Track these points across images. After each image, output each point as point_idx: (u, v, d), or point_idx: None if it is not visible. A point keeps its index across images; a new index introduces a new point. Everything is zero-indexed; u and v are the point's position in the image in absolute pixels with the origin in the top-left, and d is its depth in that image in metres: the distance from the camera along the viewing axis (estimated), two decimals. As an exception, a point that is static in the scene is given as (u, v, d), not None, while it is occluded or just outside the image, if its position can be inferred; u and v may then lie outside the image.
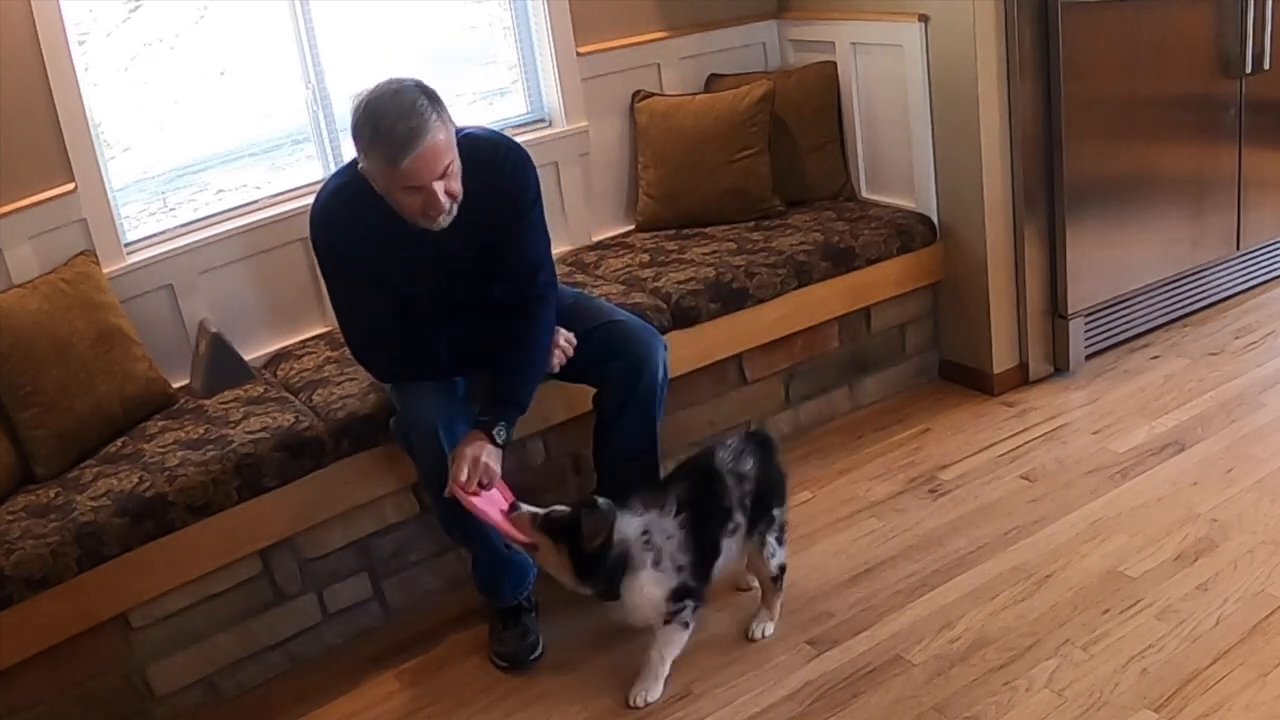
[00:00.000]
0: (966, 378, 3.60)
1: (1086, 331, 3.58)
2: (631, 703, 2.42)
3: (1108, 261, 3.51)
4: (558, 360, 2.64)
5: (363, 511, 2.77)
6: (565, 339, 2.65)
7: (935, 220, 3.49)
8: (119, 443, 2.72)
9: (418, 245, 2.46)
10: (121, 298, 2.86)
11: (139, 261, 2.99)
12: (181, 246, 3.05)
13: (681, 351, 3.00)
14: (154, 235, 3.09)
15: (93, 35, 2.97)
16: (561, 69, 3.56)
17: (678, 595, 2.38)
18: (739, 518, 2.45)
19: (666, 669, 2.45)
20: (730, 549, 2.46)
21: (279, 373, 3.06)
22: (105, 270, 2.87)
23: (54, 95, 2.81)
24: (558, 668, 2.60)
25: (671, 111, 3.61)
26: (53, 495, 2.52)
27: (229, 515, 2.55)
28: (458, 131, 2.42)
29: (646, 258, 3.39)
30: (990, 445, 3.25)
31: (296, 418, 2.68)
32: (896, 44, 3.40)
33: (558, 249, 2.83)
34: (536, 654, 2.63)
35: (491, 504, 2.43)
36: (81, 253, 2.86)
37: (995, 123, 3.27)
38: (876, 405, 3.58)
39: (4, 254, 2.79)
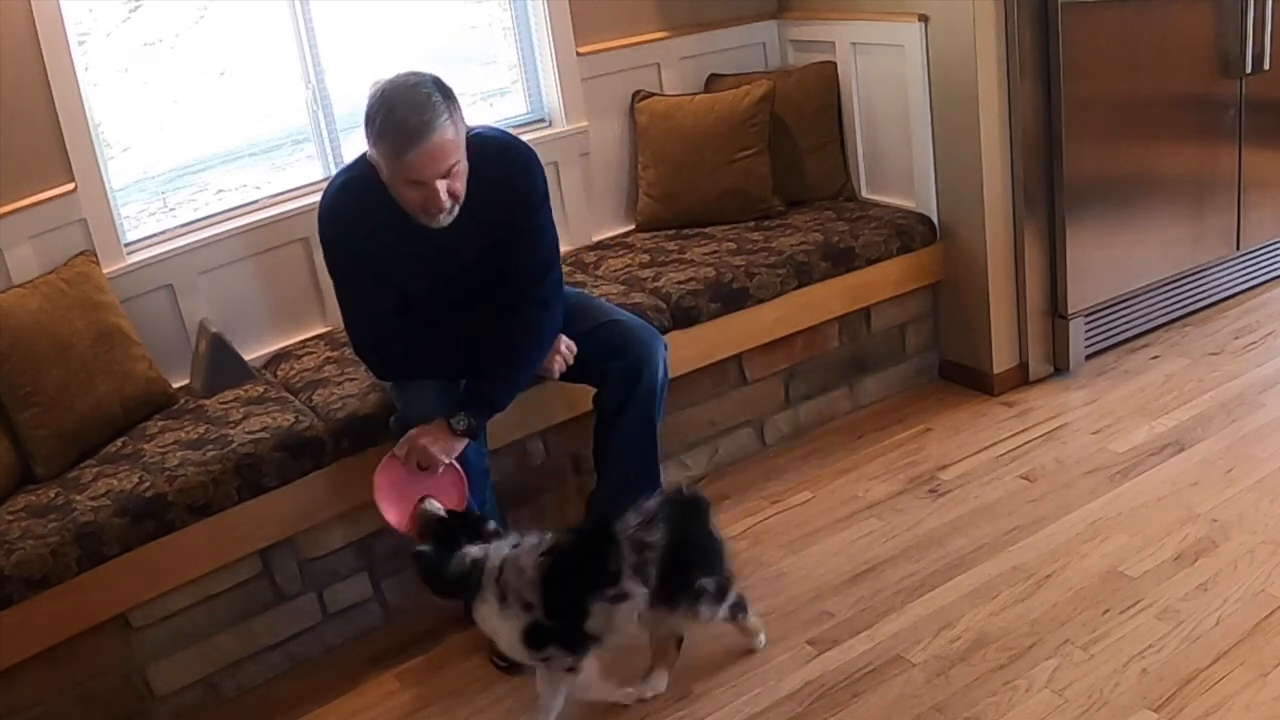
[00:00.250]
0: (966, 378, 3.60)
1: (1086, 331, 3.58)
2: None
3: (1108, 261, 3.51)
4: (558, 367, 2.64)
5: (363, 511, 2.76)
6: (566, 345, 2.64)
7: (935, 220, 3.49)
8: (119, 443, 2.72)
9: (424, 242, 2.47)
10: (121, 298, 2.86)
11: (139, 261, 2.99)
12: (181, 246, 3.05)
13: (681, 351, 3.00)
14: (154, 235, 3.09)
15: (93, 35, 2.97)
16: (561, 69, 3.56)
17: (534, 639, 2.26)
18: (632, 587, 2.24)
19: (551, 711, 2.35)
20: (617, 617, 2.27)
21: (279, 373, 3.06)
22: (105, 270, 2.87)
23: (54, 95, 2.81)
24: (558, 668, 2.60)
25: (671, 111, 3.61)
26: (53, 495, 2.52)
27: (229, 515, 2.55)
28: (469, 132, 2.43)
29: (646, 258, 3.39)
30: (990, 445, 3.25)
31: (296, 418, 2.68)
32: (896, 44, 3.40)
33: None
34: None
35: (411, 486, 2.47)
36: (81, 253, 2.86)
37: (995, 123, 3.27)
38: (876, 405, 3.58)
39: (4, 254, 2.79)
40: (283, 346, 3.21)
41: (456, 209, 2.42)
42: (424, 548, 2.34)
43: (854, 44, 3.57)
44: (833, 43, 3.64)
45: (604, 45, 3.62)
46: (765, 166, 3.56)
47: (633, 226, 3.73)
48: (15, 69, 2.75)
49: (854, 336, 3.50)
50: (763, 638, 2.53)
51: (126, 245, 3.00)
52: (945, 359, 3.67)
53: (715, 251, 3.34)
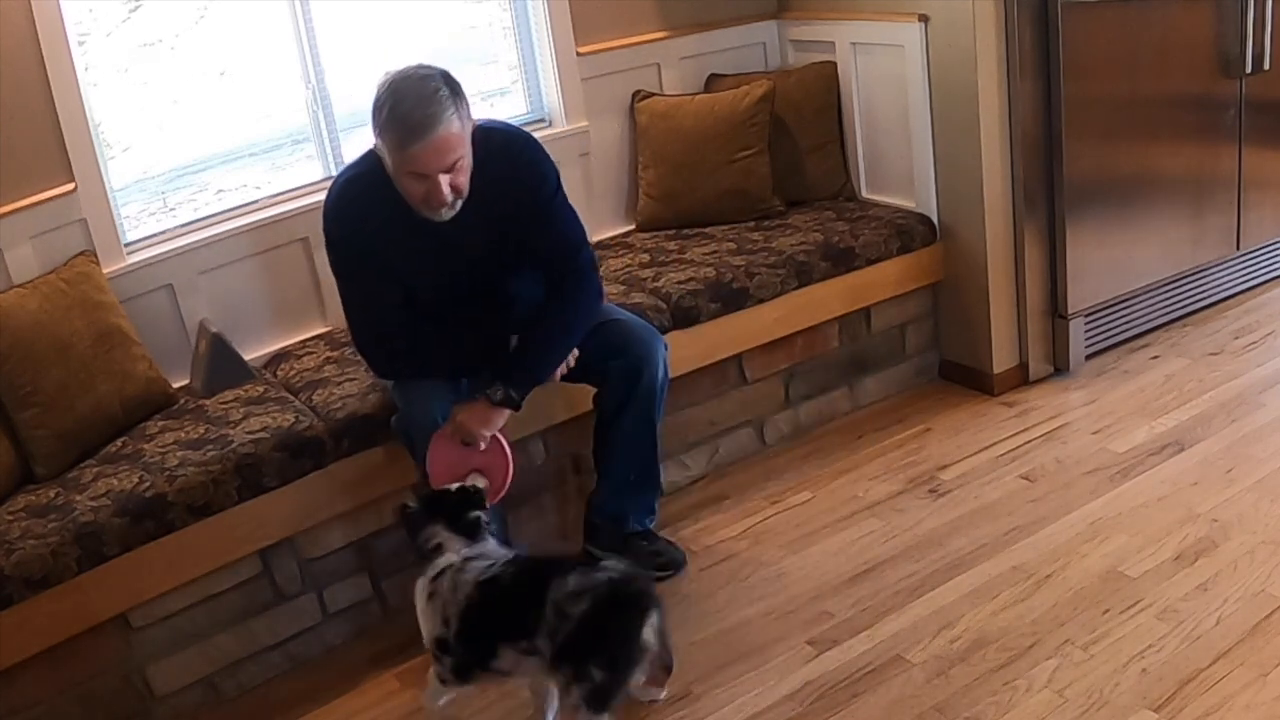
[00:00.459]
0: (966, 378, 3.60)
1: (1086, 331, 3.58)
2: None
3: (1108, 261, 3.51)
4: (560, 371, 2.64)
5: (363, 511, 2.77)
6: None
7: (935, 220, 3.49)
8: (119, 443, 2.72)
9: (429, 236, 2.47)
10: (121, 298, 2.86)
11: (139, 261, 2.99)
12: (181, 246, 3.05)
13: (681, 351, 3.00)
14: (154, 235, 3.09)
15: (93, 35, 2.97)
16: (561, 69, 3.56)
17: (439, 645, 2.28)
18: (540, 644, 2.16)
19: (432, 705, 2.37)
20: (523, 666, 2.23)
21: (279, 373, 3.06)
22: (105, 270, 2.87)
23: (54, 95, 2.81)
24: (558, 668, 2.60)
25: (671, 111, 3.61)
26: (53, 495, 2.52)
27: (229, 515, 2.55)
28: (475, 126, 2.43)
29: (646, 258, 3.39)
30: (990, 445, 3.25)
31: (296, 418, 2.68)
32: (896, 44, 3.40)
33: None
34: (536, 654, 2.63)
35: (461, 464, 2.49)
36: (81, 253, 2.86)
37: (995, 123, 3.27)
38: (876, 405, 3.58)
39: (4, 254, 2.79)
40: (283, 346, 3.21)
41: (459, 204, 2.42)
42: (411, 505, 2.37)
43: (854, 44, 3.57)
44: (833, 43, 3.64)
45: (604, 45, 3.62)
46: (765, 166, 3.56)
47: (633, 226, 3.73)
48: (15, 69, 2.75)
49: (854, 336, 3.50)
50: None
51: (126, 245, 3.01)
52: (945, 359, 3.67)
53: (715, 251, 3.34)
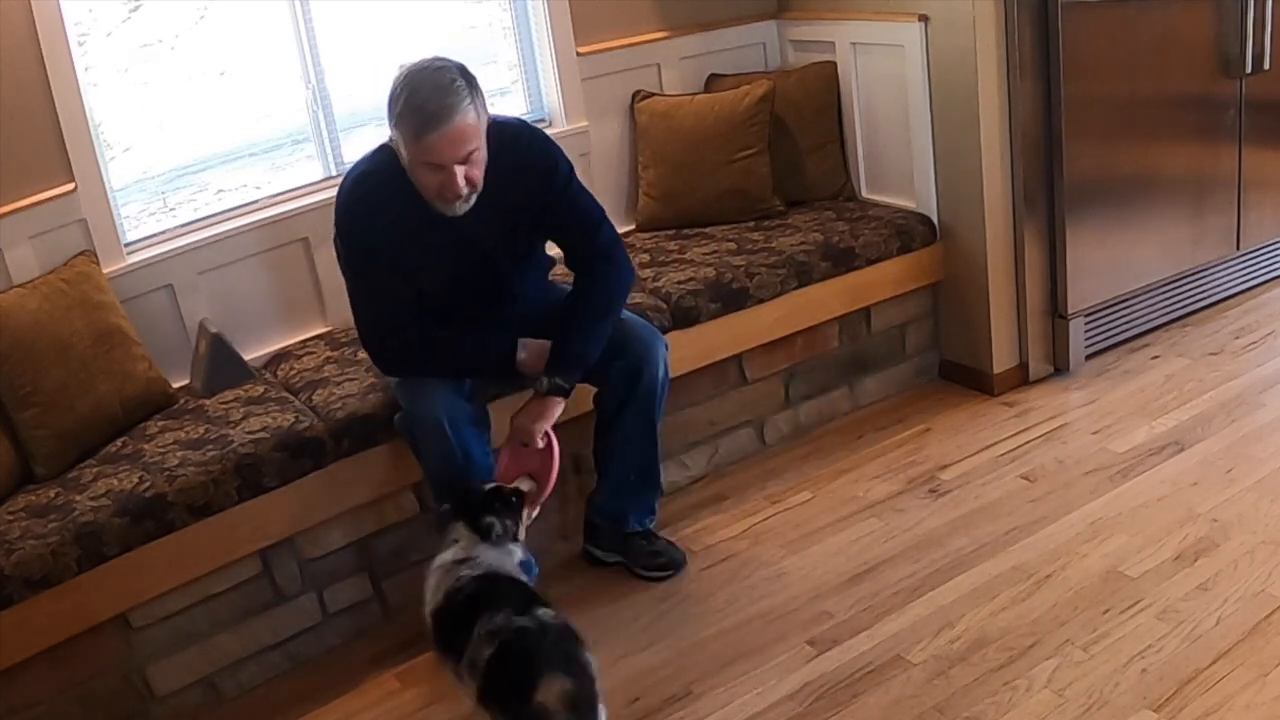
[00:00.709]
0: (966, 378, 3.60)
1: (1086, 331, 3.58)
2: None
3: (1108, 261, 3.51)
4: None
5: (363, 511, 2.77)
6: None
7: (935, 220, 3.49)
8: (119, 443, 2.72)
9: (442, 230, 2.48)
10: (121, 298, 2.86)
11: (139, 261, 2.99)
12: (181, 246, 3.04)
13: (681, 351, 3.00)
14: (154, 235, 3.08)
15: (93, 35, 2.97)
16: (561, 69, 3.56)
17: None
18: (464, 672, 2.14)
19: None
20: (463, 682, 2.18)
21: (279, 373, 3.06)
22: (105, 270, 2.87)
23: (54, 95, 2.80)
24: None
25: (671, 111, 3.61)
26: (53, 495, 2.52)
27: (229, 515, 2.55)
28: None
29: (647, 258, 3.39)
30: (990, 445, 3.25)
31: (296, 418, 2.68)
32: (896, 44, 3.40)
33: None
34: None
35: (516, 468, 2.57)
36: (81, 253, 2.86)
37: (995, 123, 3.27)
38: (876, 405, 3.58)
39: (4, 254, 2.79)
40: (283, 346, 3.20)
41: (474, 197, 2.43)
42: (446, 507, 2.44)
43: (854, 44, 3.57)
44: (833, 43, 3.64)
45: (604, 45, 3.62)
46: (765, 166, 3.56)
47: (633, 226, 3.73)
48: (15, 69, 2.75)
49: (854, 336, 3.50)
50: None
51: (126, 245, 3.00)
52: (945, 359, 3.67)
53: (715, 251, 3.34)
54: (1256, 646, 2.31)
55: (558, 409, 2.57)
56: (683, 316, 3.09)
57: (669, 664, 2.54)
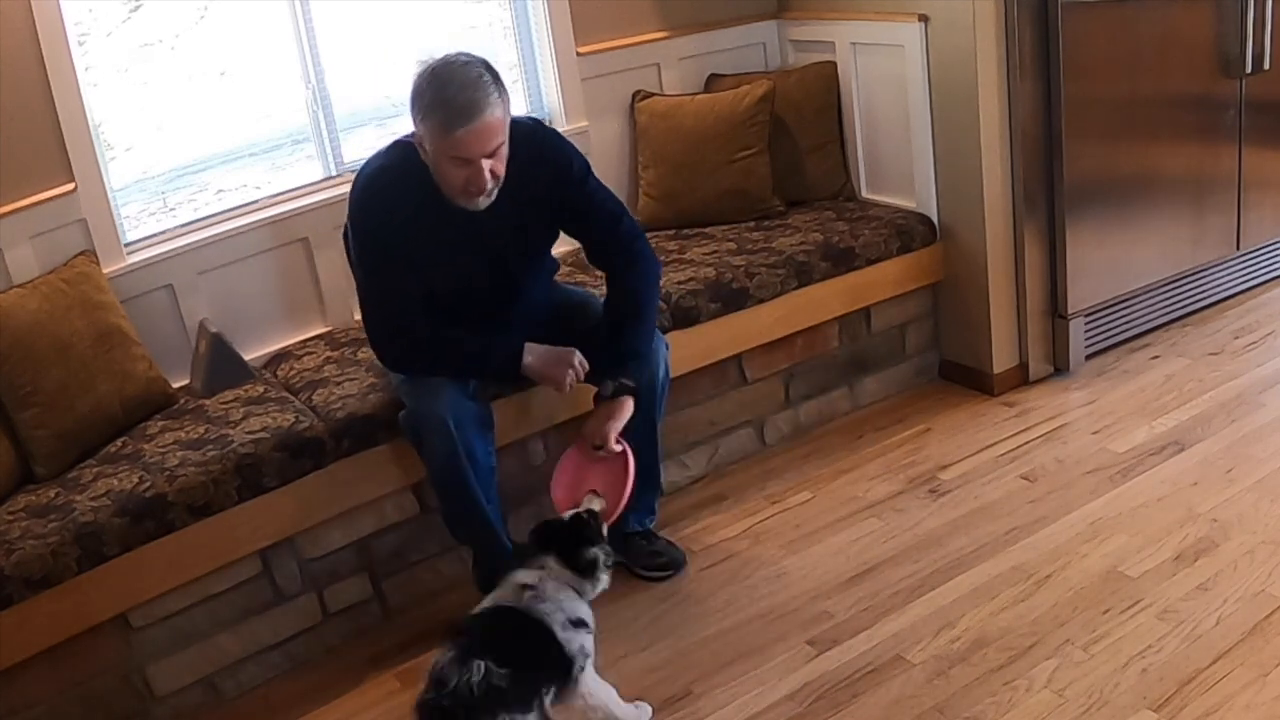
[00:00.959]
0: (966, 378, 3.60)
1: (1086, 331, 3.58)
2: None
3: (1108, 261, 3.51)
4: (570, 380, 2.62)
5: (363, 511, 2.77)
6: (579, 361, 2.62)
7: (935, 220, 3.49)
8: (119, 443, 2.72)
9: (458, 226, 2.49)
10: (121, 298, 2.86)
11: (139, 261, 2.99)
12: (181, 246, 3.04)
13: (681, 351, 3.00)
14: (154, 235, 3.08)
15: (93, 35, 2.97)
16: (561, 69, 3.56)
17: None
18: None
19: None
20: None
21: (279, 373, 3.06)
22: (105, 270, 2.87)
23: (54, 95, 2.80)
24: (558, 668, 2.60)
25: (671, 111, 3.61)
26: (53, 495, 2.52)
27: (229, 515, 2.55)
28: None
29: (646, 258, 3.39)
30: (990, 445, 3.25)
31: (296, 418, 2.68)
32: (896, 44, 3.40)
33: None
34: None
35: (581, 479, 2.56)
36: (81, 253, 2.86)
37: (995, 123, 3.27)
38: (876, 405, 3.58)
39: (4, 254, 2.79)
40: (283, 346, 3.20)
41: (496, 192, 2.43)
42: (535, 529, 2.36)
43: (854, 44, 3.57)
44: (833, 43, 3.64)
45: (604, 45, 3.62)
46: (765, 166, 3.56)
47: (633, 226, 3.73)
48: (15, 69, 2.75)
49: (854, 336, 3.50)
50: None
51: (126, 245, 3.00)
52: (945, 359, 3.67)
53: (715, 251, 3.34)
54: (1256, 646, 2.31)
55: (629, 408, 2.58)
56: (683, 316, 3.09)
57: (669, 664, 2.54)
